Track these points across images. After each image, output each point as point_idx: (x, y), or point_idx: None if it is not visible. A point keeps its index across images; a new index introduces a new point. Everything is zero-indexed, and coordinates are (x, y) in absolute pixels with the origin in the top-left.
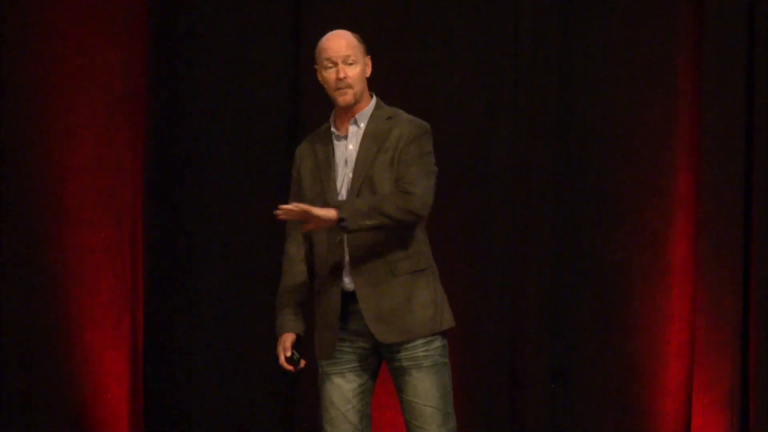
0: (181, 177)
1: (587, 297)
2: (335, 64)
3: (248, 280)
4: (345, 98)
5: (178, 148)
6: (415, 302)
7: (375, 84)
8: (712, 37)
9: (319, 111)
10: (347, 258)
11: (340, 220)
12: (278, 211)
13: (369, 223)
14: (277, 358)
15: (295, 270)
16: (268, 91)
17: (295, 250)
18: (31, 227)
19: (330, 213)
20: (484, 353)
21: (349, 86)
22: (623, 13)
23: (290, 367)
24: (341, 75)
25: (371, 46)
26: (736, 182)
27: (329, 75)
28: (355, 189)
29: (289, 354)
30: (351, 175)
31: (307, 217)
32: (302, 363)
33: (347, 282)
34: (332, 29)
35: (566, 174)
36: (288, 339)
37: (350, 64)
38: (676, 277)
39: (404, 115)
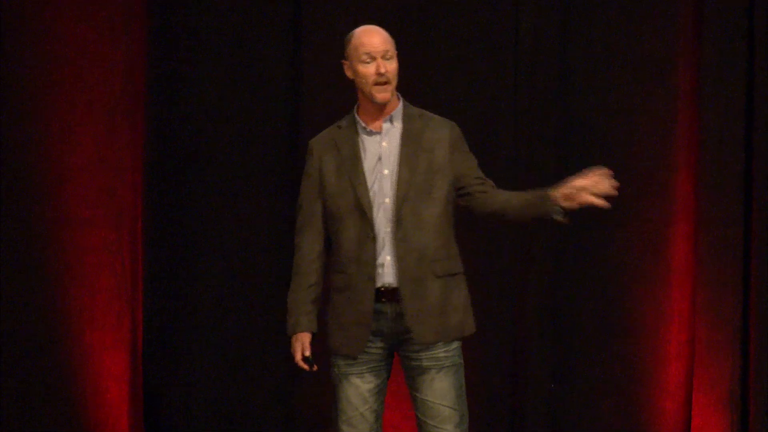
0: (181, 177)
1: (587, 297)
2: (374, 58)
3: (248, 280)
4: (384, 94)
5: (178, 148)
6: (450, 304)
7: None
8: (712, 37)
9: (319, 111)
10: (385, 254)
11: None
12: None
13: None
14: (289, 357)
15: (310, 267)
16: (268, 91)
17: (308, 246)
18: (31, 227)
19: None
20: (485, 353)
21: (388, 81)
22: (623, 13)
23: (307, 366)
24: (382, 69)
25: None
26: (736, 182)
27: (367, 69)
28: (403, 189)
29: (308, 353)
30: (386, 172)
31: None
32: (315, 366)
33: (384, 278)
34: (332, 29)
35: (566, 174)
36: (306, 338)
37: (388, 59)
38: (676, 277)
39: (431, 114)
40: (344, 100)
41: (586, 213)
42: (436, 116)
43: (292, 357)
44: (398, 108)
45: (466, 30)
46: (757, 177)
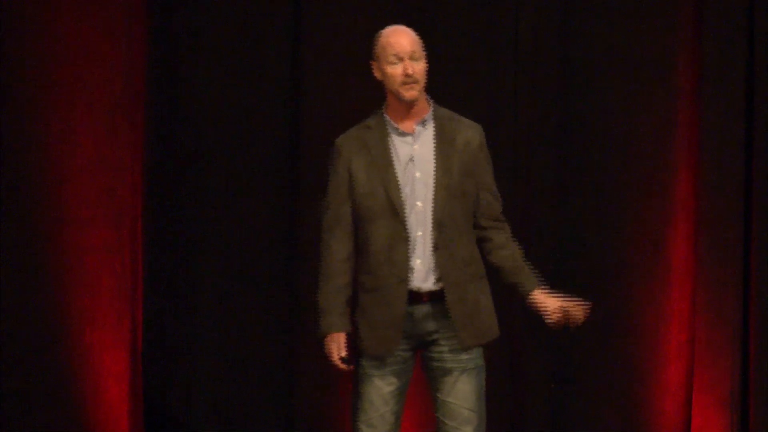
0: (181, 177)
1: (587, 297)
2: (401, 59)
3: (248, 280)
4: (411, 93)
5: (178, 148)
6: (482, 307)
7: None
8: (712, 37)
9: (319, 111)
10: (416, 257)
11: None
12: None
13: None
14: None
15: (342, 268)
16: (268, 91)
17: (339, 246)
18: (31, 227)
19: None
20: (485, 353)
21: (416, 81)
22: (623, 13)
23: (345, 366)
24: (409, 71)
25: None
26: (736, 182)
27: (395, 70)
28: (440, 193)
29: (344, 354)
30: (418, 174)
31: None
32: (351, 365)
33: (415, 281)
34: (332, 29)
35: (566, 174)
36: (343, 338)
37: (416, 59)
38: (676, 277)
39: (461, 117)
40: (344, 100)
41: (586, 213)
42: (464, 118)
43: (291, 357)
44: (430, 110)
45: (466, 30)
46: (757, 177)
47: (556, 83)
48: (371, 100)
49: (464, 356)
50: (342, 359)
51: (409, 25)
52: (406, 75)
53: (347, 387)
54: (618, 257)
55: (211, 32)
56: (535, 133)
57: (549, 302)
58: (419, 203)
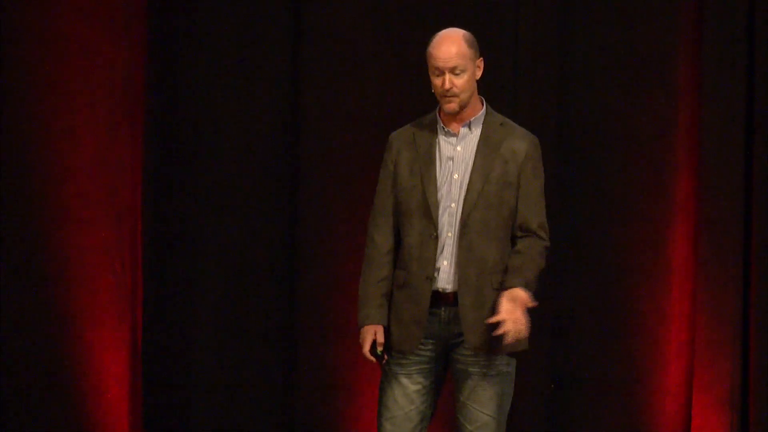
0: (181, 176)
1: (587, 297)
2: (443, 73)
3: (248, 280)
4: (450, 106)
5: (178, 148)
6: None
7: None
8: (712, 37)
9: (319, 110)
10: (444, 258)
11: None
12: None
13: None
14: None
15: (382, 261)
16: (268, 90)
17: (382, 239)
18: (32, 227)
19: (521, 294)
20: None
21: (455, 95)
22: (623, 13)
23: (374, 359)
24: (447, 86)
25: (371, 45)
26: (736, 182)
27: (437, 82)
28: (473, 197)
29: (380, 347)
30: (456, 176)
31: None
32: (385, 357)
33: (440, 282)
34: (332, 29)
35: (566, 174)
36: (380, 331)
37: (457, 74)
38: (676, 277)
39: (515, 125)
40: (344, 100)
41: (586, 213)
42: (519, 127)
43: (291, 357)
44: (479, 115)
45: (466, 29)
46: (757, 177)
47: (556, 83)
48: (371, 99)
49: (485, 362)
50: (373, 352)
51: (410, 25)
52: (445, 89)
53: (347, 388)
54: (618, 257)
55: (210, 32)
56: (535, 133)
57: (501, 307)
58: (453, 204)
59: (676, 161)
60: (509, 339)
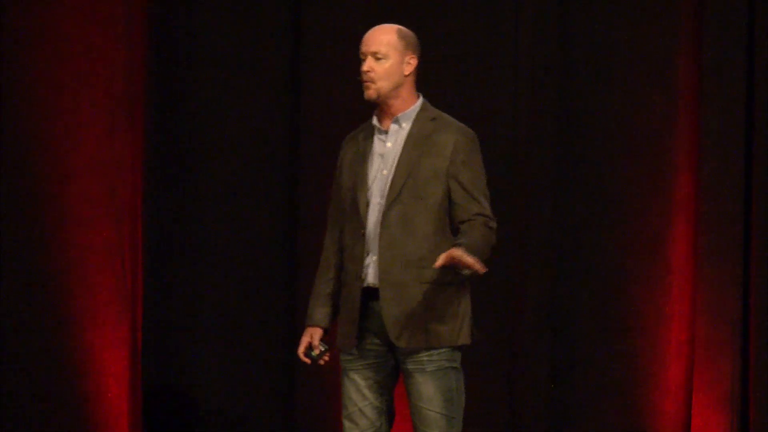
0: (181, 177)
1: (587, 297)
2: (365, 56)
3: (248, 280)
4: (367, 92)
5: (178, 148)
6: (435, 314)
7: None
8: (712, 37)
9: (319, 111)
10: (372, 254)
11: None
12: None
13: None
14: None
15: (330, 262)
16: (268, 91)
17: (329, 242)
18: (32, 227)
19: (459, 251)
20: (484, 353)
21: (372, 81)
22: (623, 13)
23: (308, 360)
24: (365, 68)
25: None
26: (736, 182)
27: (361, 68)
28: (395, 192)
29: (315, 351)
30: (385, 172)
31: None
32: (323, 360)
33: (369, 278)
34: (332, 29)
35: (566, 174)
36: (315, 333)
37: (378, 59)
38: (676, 277)
39: (450, 119)
40: (344, 100)
41: (586, 213)
42: (454, 122)
43: (291, 357)
44: (411, 109)
45: (466, 30)
46: (757, 177)
47: (556, 83)
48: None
49: (424, 358)
50: (308, 354)
51: (409, 24)
52: (363, 71)
53: None
54: (618, 257)
55: (211, 32)
56: (535, 133)
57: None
58: (381, 201)
59: (676, 161)
60: (460, 260)
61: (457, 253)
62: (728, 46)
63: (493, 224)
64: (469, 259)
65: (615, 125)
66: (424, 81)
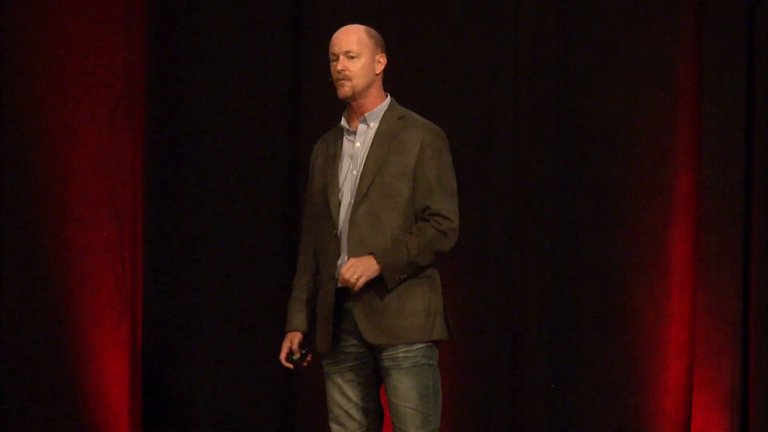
0: (181, 177)
1: (587, 297)
2: (337, 57)
3: (248, 280)
4: (342, 90)
5: (178, 148)
6: (406, 309)
7: None
8: (712, 37)
9: (319, 111)
10: (344, 256)
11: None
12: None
13: (404, 276)
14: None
15: (307, 266)
16: (268, 91)
17: (305, 246)
18: (32, 226)
19: (372, 263)
20: (484, 353)
21: (347, 78)
22: (623, 14)
23: (290, 365)
24: (339, 67)
25: None
26: (736, 182)
27: (332, 67)
28: (363, 190)
29: (296, 355)
30: (355, 172)
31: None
32: (305, 363)
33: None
34: (332, 29)
35: (566, 174)
36: (295, 338)
37: (351, 58)
38: (676, 277)
39: (417, 117)
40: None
41: (586, 213)
42: (421, 120)
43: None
44: (378, 108)
45: (466, 30)
46: (757, 177)
47: (556, 84)
48: None
49: (400, 354)
50: (289, 359)
51: (410, 26)
52: (336, 71)
53: None
54: (618, 257)
55: (211, 32)
56: (535, 133)
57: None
58: (351, 200)
59: (676, 161)
60: (346, 276)
61: (343, 269)
62: (728, 46)
63: (449, 225)
64: (345, 275)
65: (615, 125)
66: (424, 81)
